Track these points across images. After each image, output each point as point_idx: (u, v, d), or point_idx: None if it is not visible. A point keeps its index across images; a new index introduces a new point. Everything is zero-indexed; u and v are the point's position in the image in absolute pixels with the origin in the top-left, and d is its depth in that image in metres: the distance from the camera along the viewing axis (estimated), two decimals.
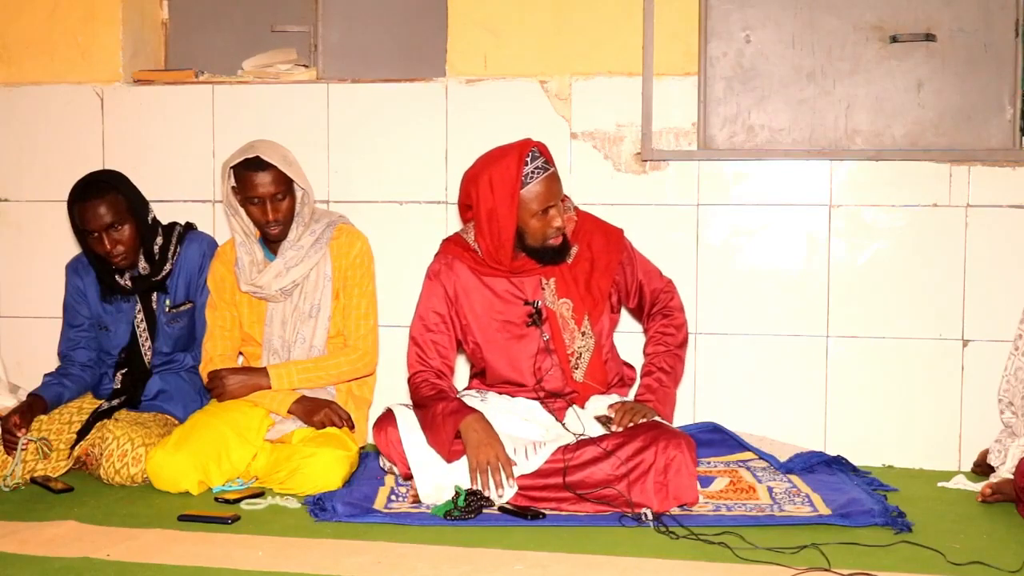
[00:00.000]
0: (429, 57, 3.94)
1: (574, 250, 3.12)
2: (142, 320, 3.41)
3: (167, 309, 3.42)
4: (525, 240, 3.02)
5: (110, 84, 3.95)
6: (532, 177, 2.97)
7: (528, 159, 2.97)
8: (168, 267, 3.40)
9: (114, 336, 3.43)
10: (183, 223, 3.54)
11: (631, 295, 3.21)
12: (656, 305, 3.23)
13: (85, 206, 3.25)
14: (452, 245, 3.18)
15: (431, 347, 3.14)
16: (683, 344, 3.22)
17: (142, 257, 3.37)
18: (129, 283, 3.37)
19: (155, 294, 3.41)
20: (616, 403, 3.07)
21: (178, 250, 3.43)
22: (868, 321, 3.59)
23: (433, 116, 3.78)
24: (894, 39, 3.52)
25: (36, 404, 3.28)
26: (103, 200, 3.26)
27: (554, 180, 3.00)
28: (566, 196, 3.21)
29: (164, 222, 3.50)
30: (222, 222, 3.82)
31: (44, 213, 3.98)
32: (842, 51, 3.55)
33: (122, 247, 3.29)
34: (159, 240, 3.41)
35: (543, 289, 3.11)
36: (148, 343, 3.41)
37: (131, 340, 3.41)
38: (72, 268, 3.50)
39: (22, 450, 3.18)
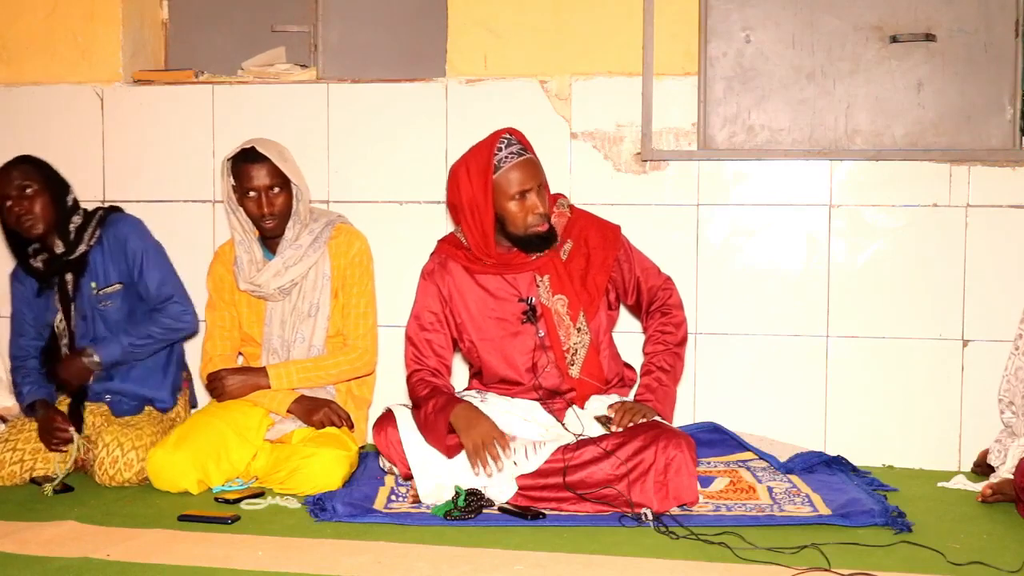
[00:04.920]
0: (429, 57, 3.94)
1: (568, 246, 3.12)
2: (58, 303, 3.37)
3: (95, 292, 3.37)
4: (507, 228, 3.02)
5: (110, 84, 3.95)
6: (505, 161, 2.98)
7: (502, 145, 2.99)
8: (83, 248, 3.35)
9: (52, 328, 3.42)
10: (107, 206, 3.50)
11: (629, 292, 3.21)
12: (655, 303, 3.22)
13: (1, 174, 3.29)
14: (446, 244, 3.19)
15: (426, 346, 3.14)
16: (682, 342, 3.22)
17: (58, 240, 3.33)
18: (41, 265, 3.35)
19: (72, 276, 3.35)
20: (616, 403, 3.07)
21: (97, 232, 3.38)
22: (868, 321, 3.59)
23: (433, 116, 3.78)
24: (894, 39, 3.52)
25: (50, 405, 3.32)
26: (15, 166, 3.31)
27: (529, 164, 3.00)
28: (561, 194, 3.22)
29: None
30: (222, 222, 3.82)
31: None
32: (842, 51, 3.55)
33: (33, 213, 3.26)
34: (76, 219, 3.38)
35: (538, 286, 3.10)
36: (63, 325, 3.37)
37: (52, 331, 3.39)
38: (12, 275, 3.47)
39: (76, 446, 3.21)
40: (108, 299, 3.37)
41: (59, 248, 3.34)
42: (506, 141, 3.00)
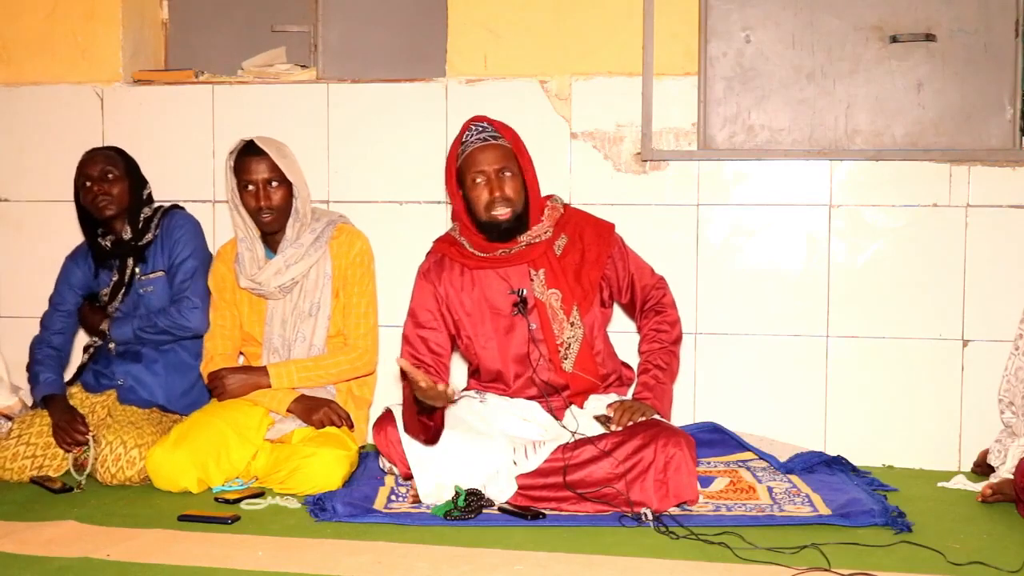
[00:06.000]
0: (429, 57, 3.94)
1: (563, 241, 3.14)
2: (113, 285, 3.47)
3: (139, 277, 3.47)
4: (474, 214, 3.06)
5: (110, 84, 3.95)
6: (470, 146, 3.05)
7: (472, 131, 3.06)
8: (149, 237, 3.47)
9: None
10: (171, 204, 3.62)
11: (623, 290, 3.22)
12: (649, 302, 3.23)
13: (87, 155, 3.48)
14: (441, 242, 3.22)
15: (421, 343, 3.15)
16: (677, 341, 3.22)
17: (128, 227, 3.46)
18: (109, 244, 3.46)
19: (132, 262, 3.47)
20: (615, 402, 3.07)
21: (161, 222, 3.50)
22: (868, 321, 3.59)
23: (433, 116, 3.78)
24: (894, 39, 3.52)
25: (67, 402, 3.37)
26: (102, 152, 3.50)
27: (491, 148, 3.03)
28: (553, 195, 3.24)
29: None
30: (221, 222, 3.82)
31: (44, 213, 3.98)
32: (842, 51, 3.55)
33: (110, 195, 3.41)
34: (147, 211, 3.51)
35: (532, 280, 3.11)
36: (106, 299, 3.47)
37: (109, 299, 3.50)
38: (70, 257, 3.60)
39: (91, 450, 3.25)
40: (150, 284, 3.47)
41: (127, 234, 3.47)
42: (476, 128, 3.06)
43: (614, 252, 3.18)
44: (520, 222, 3.07)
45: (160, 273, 3.47)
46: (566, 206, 3.21)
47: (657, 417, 3.01)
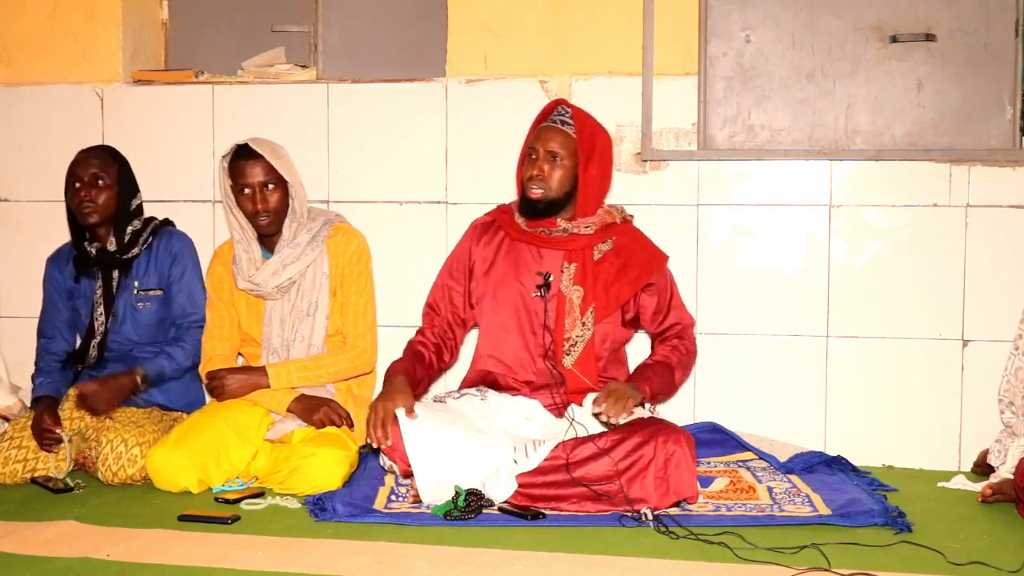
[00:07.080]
0: (429, 57, 3.94)
1: (606, 247, 3.17)
2: (100, 297, 3.44)
3: (135, 292, 3.44)
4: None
5: (110, 84, 3.95)
6: (544, 122, 3.13)
7: (556, 111, 3.14)
8: (136, 251, 3.44)
9: (84, 317, 3.46)
10: (162, 219, 3.58)
11: (656, 321, 3.22)
12: (676, 331, 3.23)
13: (81, 155, 3.43)
14: (500, 207, 3.33)
15: (446, 292, 3.27)
16: (688, 366, 3.24)
17: (112, 238, 3.42)
18: (94, 251, 3.43)
19: (117, 274, 3.43)
20: (598, 395, 2.98)
21: (150, 239, 3.47)
22: (868, 321, 3.59)
23: (433, 116, 3.78)
24: (894, 39, 3.52)
25: (51, 403, 3.33)
26: (97, 154, 3.43)
27: (554, 132, 3.11)
28: (619, 205, 3.27)
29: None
30: (222, 222, 3.82)
31: (44, 213, 3.98)
32: (842, 51, 3.55)
33: (95, 203, 3.37)
34: (136, 223, 3.47)
35: (563, 271, 3.14)
36: (102, 318, 3.43)
37: (90, 322, 3.44)
38: (51, 260, 3.56)
39: (69, 443, 3.24)
40: (148, 300, 3.44)
41: (111, 246, 3.43)
42: (558, 111, 3.15)
43: (659, 282, 3.20)
44: (552, 208, 3.13)
45: (159, 291, 3.45)
46: (626, 221, 3.24)
47: (655, 416, 3.01)
